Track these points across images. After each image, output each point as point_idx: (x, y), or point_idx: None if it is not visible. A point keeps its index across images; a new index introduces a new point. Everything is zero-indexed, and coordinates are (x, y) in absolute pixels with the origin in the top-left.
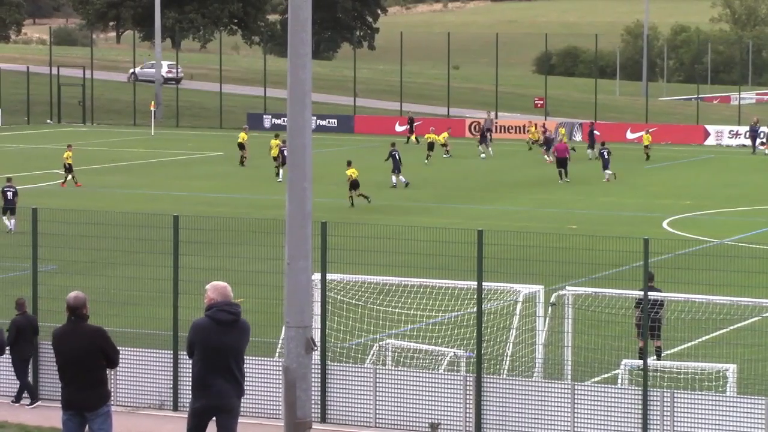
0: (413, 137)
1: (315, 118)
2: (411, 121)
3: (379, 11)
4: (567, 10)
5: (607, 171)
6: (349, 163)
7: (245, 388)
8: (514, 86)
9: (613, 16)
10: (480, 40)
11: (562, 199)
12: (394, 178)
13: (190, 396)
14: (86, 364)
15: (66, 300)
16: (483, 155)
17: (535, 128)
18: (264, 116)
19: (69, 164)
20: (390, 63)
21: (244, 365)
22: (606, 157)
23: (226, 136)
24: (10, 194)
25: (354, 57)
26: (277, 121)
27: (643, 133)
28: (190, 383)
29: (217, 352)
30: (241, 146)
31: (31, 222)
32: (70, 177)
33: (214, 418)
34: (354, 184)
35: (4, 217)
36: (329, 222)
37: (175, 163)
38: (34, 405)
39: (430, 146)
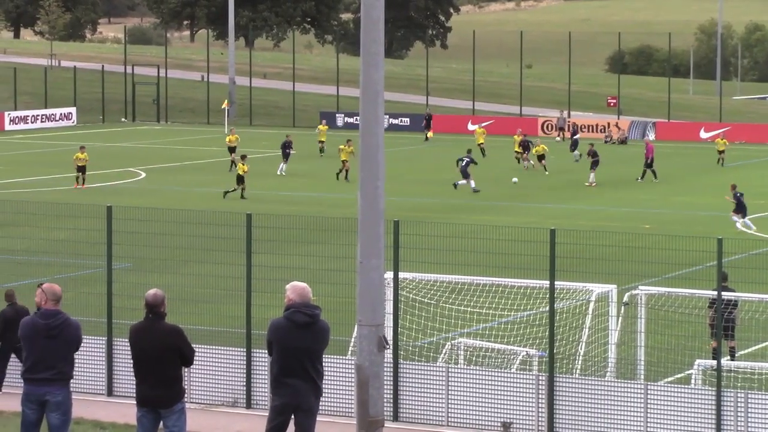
0: (430, 134)
1: (387, 116)
2: (428, 118)
3: (451, 10)
4: (640, 9)
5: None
6: (243, 157)
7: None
8: (586, 85)
9: (687, 14)
10: (553, 39)
11: (636, 199)
12: (472, 183)
13: (270, 394)
14: (162, 362)
15: (145, 297)
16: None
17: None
18: (337, 115)
19: (82, 165)
20: (462, 62)
21: (322, 365)
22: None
23: (300, 135)
24: None
25: (426, 56)
26: (350, 120)
27: (715, 132)
28: (269, 381)
29: (293, 353)
30: (232, 150)
31: (106, 220)
32: (81, 176)
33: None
34: (240, 179)
35: None
36: (402, 220)
37: (249, 162)
38: None
39: (540, 158)
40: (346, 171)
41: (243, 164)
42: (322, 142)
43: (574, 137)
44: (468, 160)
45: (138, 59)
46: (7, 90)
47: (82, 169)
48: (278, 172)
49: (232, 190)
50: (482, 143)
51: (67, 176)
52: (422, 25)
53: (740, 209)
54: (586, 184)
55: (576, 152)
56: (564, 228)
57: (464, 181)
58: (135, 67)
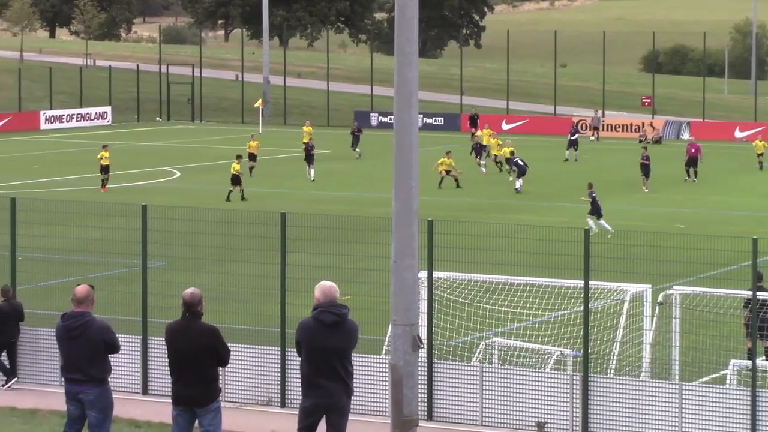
0: (478, 132)
1: (421, 116)
2: (474, 118)
3: (485, 9)
4: (674, 8)
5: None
6: (251, 156)
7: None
8: (621, 84)
9: (722, 14)
10: (587, 38)
11: (670, 199)
12: (518, 183)
13: (300, 394)
14: (198, 361)
15: (182, 296)
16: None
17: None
18: (371, 114)
19: (105, 165)
20: (496, 61)
21: (351, 365)
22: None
23: (334, 134)
24: None
25: (460, 55)
26: (384, 119)
27: (749, 132)
28: (300, 381)
29: (321, 353)
30: (252, 157)
31: (141, 219)
32: (105, 178)
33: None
34: (235, 180)
35: None
36: (435, 220)
37: (283, 161)
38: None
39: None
40: (456, 179)
41: (237, 164)
42: (306, 143)
43: (573, 137)
44: (518, 159)
45: (173, 59)
46: (42, 89)
47: (105, 169)
48: (310, 178)
49: (231, 192)
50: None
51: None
52: (456, 24)
53: (595, 210)
54: (645, 190)
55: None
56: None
57: (520, 181)
58: (170, 66)
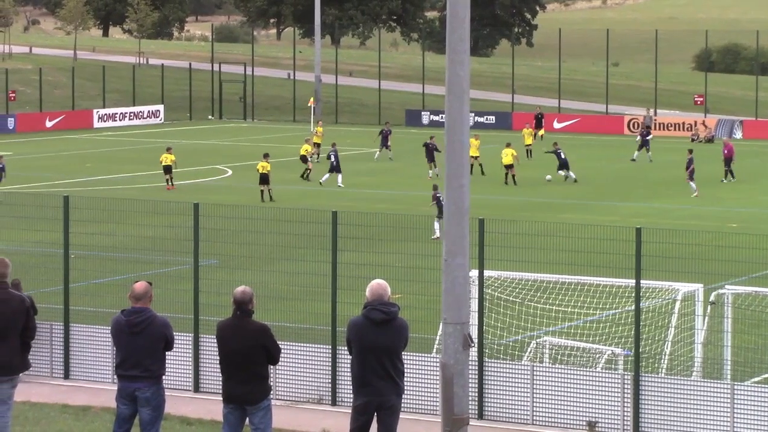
0: (541, 132)
1: (473, 114)
2: (540, 117)
3: (537, 8)
4: (728, 6)
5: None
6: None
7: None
8: (673, 83)
9: None
10: (639, 37)
11: (722, 197)
12: (558, 174)
13: (352, 393)
14: (248, 360)
15: (233, 294)
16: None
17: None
18: (422, 113)
19: (168, 165)
20: (548, 60)
21: (402, 363)
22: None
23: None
24: None
25: (512, 54)
26: (435, 118)
27: None
28: (351, 379)
29: (372, 351)
30: (304, 159)
31: (193, 217)
32: (168, 177)
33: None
34: (264, 179)
35: None
36: (486, 218)
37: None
38: None
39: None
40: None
41: (265, 162)
42: (318, 145)
43: (647, 138)
44: (561, 150)
45: (225, 57)
46: (96, 88)
47: (167, 170)
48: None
49: (262, 192)
50: (530, 144)
51: (155, 173)
52: (508, 23)
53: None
54: (694, 195)
55: (649, 153)
56: (649, 226)
57: (562, 172)
58: (222, 65)
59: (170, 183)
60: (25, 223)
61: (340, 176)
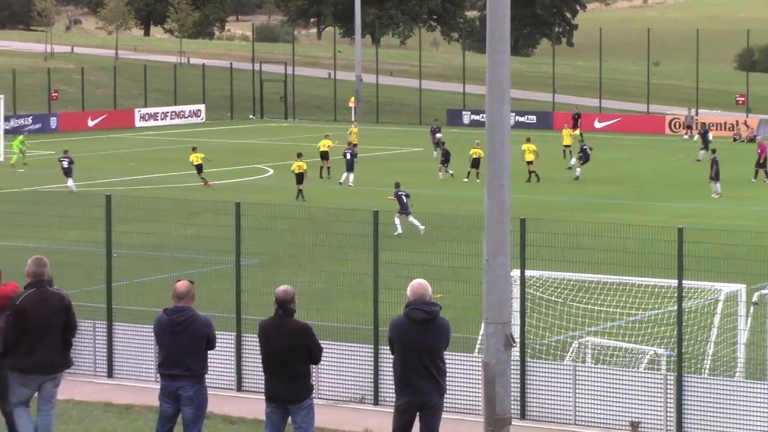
0: (577, 131)
1: (514, 114)
2: (576, 117)
3: (578, 7)
4: None
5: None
6: (299, 155)
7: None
8: (714, 83)
9: None
10: (680, 36)
11: (764, 197)
12: (578, 171)
13: (394, 392)
14: (290, 359)
15: (275, 293)
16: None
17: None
18: (463, 112)
19: (199, 164)
20: (589, 59)
21: (444, 363)
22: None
23: (426, 132)
24: (65, 163)
25: (553, 53)
26: (476, 118)
27: None
28: (393, 379)
29: (413, 351)
30: (325, 155)
31: (234, 216)
32: (202, 176)
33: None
34: (300, 178)
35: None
36: (528, 218)
37: (375, 159)
38: None
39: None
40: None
41: (301, 162)
42: (354, 145)
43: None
44: (587, 147)
45: (266, 57)
46: (137, 87)
47: (200, 168)
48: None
49: (301, 191)
50: (569, 144)
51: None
52: (548, 22)
53: (403, 209)
54: (714, 196)
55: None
56: (691, 227)
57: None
58: (263, 64)
59: (205, 181)
60: (68, 222)
61: (351, 175)
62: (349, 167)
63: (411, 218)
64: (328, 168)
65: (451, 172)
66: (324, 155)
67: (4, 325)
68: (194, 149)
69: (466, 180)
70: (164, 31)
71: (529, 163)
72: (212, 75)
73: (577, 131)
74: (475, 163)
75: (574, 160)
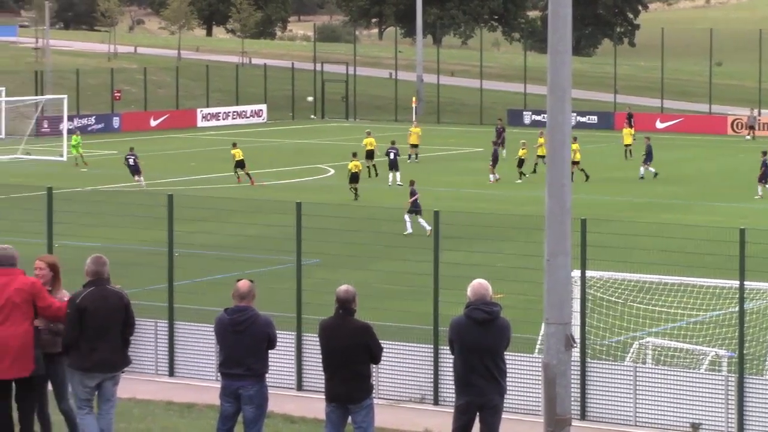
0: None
1: (575, 114)
2: (630, 117)
3: (639, 7)
4: None
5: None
6: (368, 154)
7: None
8: None
9: None
10: (743, 37)
11: None
12: (642, 169)
13: (454, 392)
14: (351, 358)
15: (336, 293)
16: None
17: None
18: (524, 113)
19: (239, 160)
20: (651, 59)
21: (504, 363)
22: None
23: (487, 132)
24: (132, 160)
25: (614, 53)
26: (537, 118)
27: None
28: (453, 379)
29: (474, 351)
30: (370, 155)
31: (296, 216)
32: (243, 173)
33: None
34: (354, 177)
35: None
36: (589, 218)
37: (436, 159)
38: None
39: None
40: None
41: (356, 161)
42: (415, 146)
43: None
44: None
45: (327, 57)
46: (199, 87)
47: (242, 165)
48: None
49: (356, 190)
50: (629, 144)
51: (258, 173)
52: (610, 22)
53: (414, 208)
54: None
55: None
56: (752, 227)
57: (643, 169)
58: (324, 64)
59: (250, 177)
60: (130, 221)
61: (398, 174)
62: (393, 166)
63: (420, 219)
64: (374, 166)
65: (497, 176)
66: (369, 154)
67: (64, 323)
68: (234, 145)
69: (519, 181)
70: (226, 32)
71: (575, 163)
72: (274, 75)
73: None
74: (520, 163)
75: (643, 169)
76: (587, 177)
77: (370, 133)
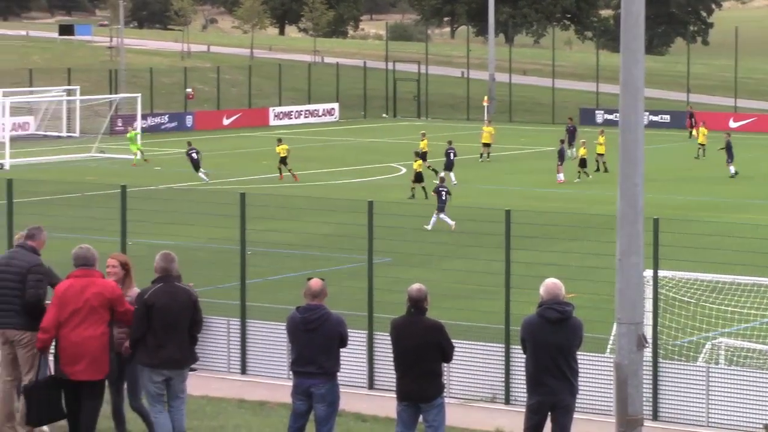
0: (694, 131)
1: (647, 113)
2: (691, 116)
3: (713, 6)
4: None
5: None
6: (422, 156)
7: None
8: None
9: None
10: None
11: None
12: (732, 168)
13: (526, 392)
14: (423, 357)
15: (408, 292)
16: None
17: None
18: (596, 111)
19: (283, 157)
20: (724, 58)
21: (576, 363)
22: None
23: (559, 131)
24: (194, 154)
25: (688, 52)
26: (610, 117)
27: None
28: (524, 378)
29: (546, 350)
30: (423, 156)
31: (367, 214)
32: (286, 170)
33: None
34: (419, 177)
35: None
36: (661, 218)
37: (509, 158)
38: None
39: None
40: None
41: (419, 161)
42: (487, 145)
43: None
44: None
45: (399, 56)
46: (272, 86)
47: (284, 161)
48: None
49: (424, 188)
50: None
51: (330, 171)
52: (683, 21)
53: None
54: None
55: None
56: None
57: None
58: (396, 63)
59: (293, 173)
60: (202, 219)
61: (452, 174)
62: (449, 166)
63: (443, 216)
64: (429, 167)
65: (562, 176)
66: (423, 156)
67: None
68: (279, 141)
69: (577, 180)
70: (299, 30)
71: (600, 155)
72: (346, 74)
73: (695, 131)
74: (582, 162)
75: (732, 168)
76: (606, 170)
77: (425, 135)
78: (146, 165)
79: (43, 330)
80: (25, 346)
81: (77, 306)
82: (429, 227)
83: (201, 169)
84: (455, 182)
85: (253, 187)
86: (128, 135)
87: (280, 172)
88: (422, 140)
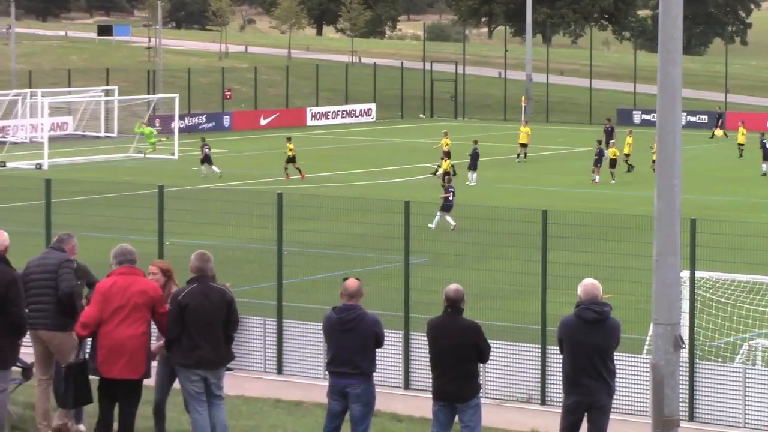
0: (721, 132)
1: (685, 114)
2: (718, 117)
3: (752, 6)
4: None
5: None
6: (447, 154)
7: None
8: None
9: None
10: None
11: None
12: (764, 166)
13: (562, 392)
14: (459, 357)
15: (445, 292)
16: None
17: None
18: (633, 112)
19: (291, 155)
20: (763, 58)
21: (613, 363)
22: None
23: (597, 132)
24: (207, 150)
25: (726, 52)
26: (647, 117)
27: None
28: (561, 379)
29: (583, 351)
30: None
31: (404, 214)
32: (293, 168)
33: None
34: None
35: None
36: (698, 219)
37: (545, 158)
38: None
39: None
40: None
41: (447, 161)
42: (524, 145)
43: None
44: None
45: (436, 56)
46: (309, 86)
47: (292, 159)
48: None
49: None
50: (743, 144)
51: (367, 171)
52: (721, 21)
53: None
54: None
55: None
56: None
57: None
58: (433, 63)
59: (299, 169)
60: (239, 219)
61: (474, 174)
62: (472, 166)
63: (447, 216)
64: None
65: (597, 177)
66: (447, 154)
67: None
68: (289, 139)
69: (613, 182)
70: (336, 31)
71: (627, 155)
72: (383, 74)
73: (720, 131)
74: (612, 163)
75: (765, 166)
76: (628, 170)
77: (447, 134)
78: (184, 165)
79: (83, 325)
80: (57, 347)
81: (121, 303)
82: (432, 226)
83: (213, 166)
84: (474, 182)
85: (290, 188)
86: (143, 131)
87: (286, 172)
88: (444, 138)
